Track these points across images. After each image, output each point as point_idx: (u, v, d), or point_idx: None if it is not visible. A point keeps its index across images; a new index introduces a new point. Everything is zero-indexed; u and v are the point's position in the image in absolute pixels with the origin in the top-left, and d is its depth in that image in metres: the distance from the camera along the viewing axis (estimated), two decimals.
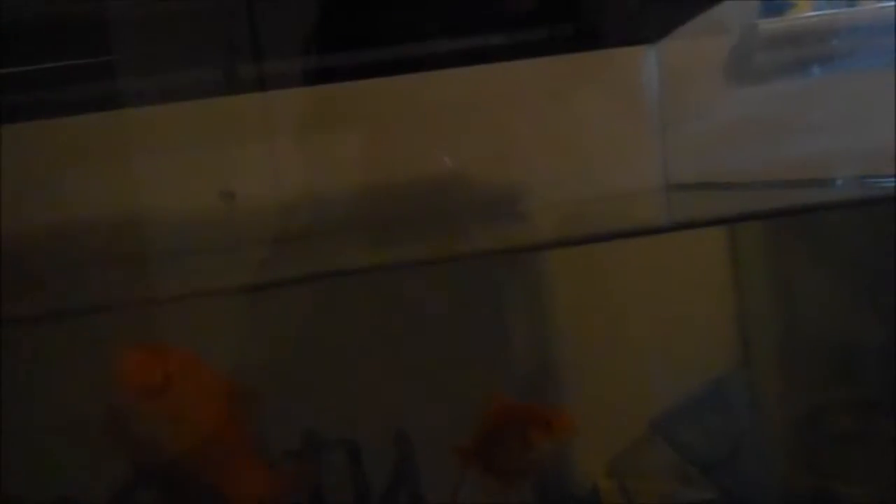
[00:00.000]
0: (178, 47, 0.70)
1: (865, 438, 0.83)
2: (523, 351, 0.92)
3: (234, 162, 0.81)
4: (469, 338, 0.83)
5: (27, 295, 0.69)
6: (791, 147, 0.81)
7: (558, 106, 0.83)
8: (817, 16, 0.96)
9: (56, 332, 0.72)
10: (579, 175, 0.85)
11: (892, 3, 0.94)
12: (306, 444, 0.77)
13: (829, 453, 0.88)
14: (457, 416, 0.72)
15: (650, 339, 0.93)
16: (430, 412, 0.76)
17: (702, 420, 0.91)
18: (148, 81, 0.75)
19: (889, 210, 0.81)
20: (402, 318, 0.81)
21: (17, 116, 0.73)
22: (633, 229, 0.78)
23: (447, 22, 0.75)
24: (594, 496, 0.89)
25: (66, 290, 0.72)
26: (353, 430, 0.77)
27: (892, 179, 0.75)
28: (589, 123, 0.84)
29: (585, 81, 0.84)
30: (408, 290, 0.78)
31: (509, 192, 0.86)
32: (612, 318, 0.93)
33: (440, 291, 0.80)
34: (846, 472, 0.84)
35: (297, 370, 0.77)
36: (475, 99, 0.82)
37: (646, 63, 0.86)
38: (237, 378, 0.60)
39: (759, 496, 0.88)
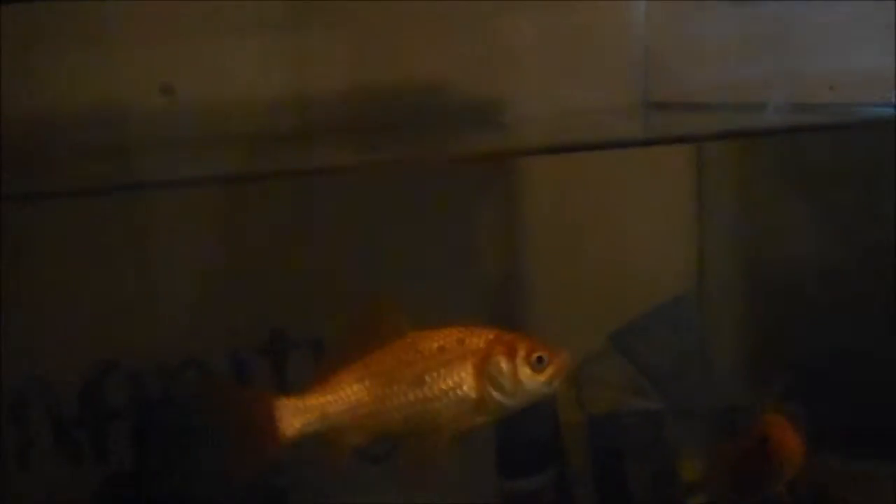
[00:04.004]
0: None
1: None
2: (488, 262, 0.93)
3: (217, 57, 0.78)
4: (432, 241, 0.83)
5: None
6: (776, 66, 0.80)
7: (545, 18, 0.82)
8: None
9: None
10: (562, 88, 0.84)
11: None
12: (273, 343, 0.78)
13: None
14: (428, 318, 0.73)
15: (614, 255, 0.95)
16: None
17: (657, 336, 0.94)
18: None
19: (865, 137, 0.82)
20: (370, 220, 0.80)
21: None
22: (600, 142, 0.78)
23: None
24: (551, 403, 0.92)
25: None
26: (320, 328, 0.78)
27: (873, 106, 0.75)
28: (574, 37, 0.83)
29: None
30: (376, 193, 0.78)
31: (495, 100, 0.85)
32: (578, 233, 0.94)
33: (408, 195, 0.79)
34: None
35: (265, 269, 0.77)
36: (466, 4, 0.80)
37: None
38: None
39: (702, 409, 0.92)
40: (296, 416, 0.56)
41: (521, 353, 0.56)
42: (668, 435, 0.90)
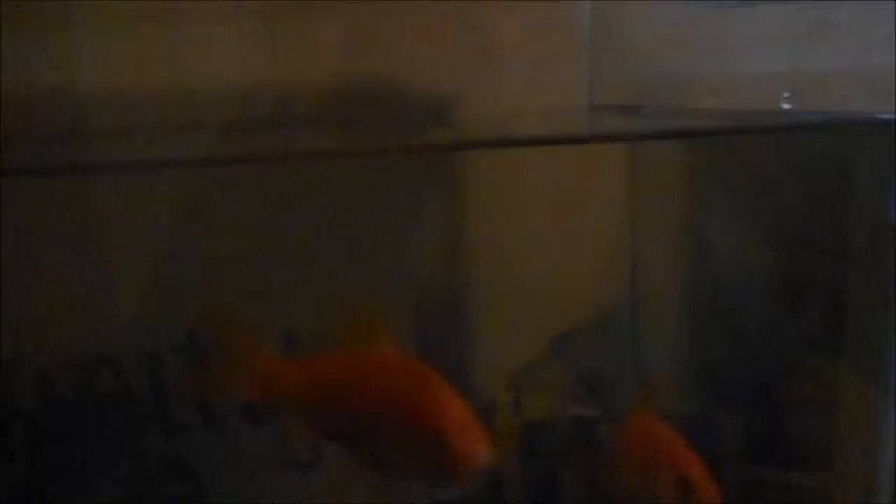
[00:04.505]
0: None
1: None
2: (425, 260, 0.91)
3: (197, 44, 0.74)
4: (368, 237, 0.81)
5: None
6: (723, 68, 0.80)
7: (498, 16, 0.80)
8: None
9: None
10: (512, 87, 0.83)
11: None
12: (190, 342, 0.75)
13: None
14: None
15: (557, 259, 0.93)
16: (323, 312, 0.75)
17: (596, 343, 0.93)
18: None
19: (801, 141, 0.82)
20: (301, 214, 0.78)
21: None
22: (538, 138, 0.77)
23: None
24: (490, 408, 0.90)
25: None
26: None
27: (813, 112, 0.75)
28: (525, 37, 0.82)
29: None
30: (309, 185, 0.76)
31: (449, 97, 0.83)
32: (520, 235, 0.93)
33: (342, 188, 0.77)
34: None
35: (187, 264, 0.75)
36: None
37: None
38: None
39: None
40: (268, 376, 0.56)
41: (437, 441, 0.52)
42: (605, 442, 0.89)
